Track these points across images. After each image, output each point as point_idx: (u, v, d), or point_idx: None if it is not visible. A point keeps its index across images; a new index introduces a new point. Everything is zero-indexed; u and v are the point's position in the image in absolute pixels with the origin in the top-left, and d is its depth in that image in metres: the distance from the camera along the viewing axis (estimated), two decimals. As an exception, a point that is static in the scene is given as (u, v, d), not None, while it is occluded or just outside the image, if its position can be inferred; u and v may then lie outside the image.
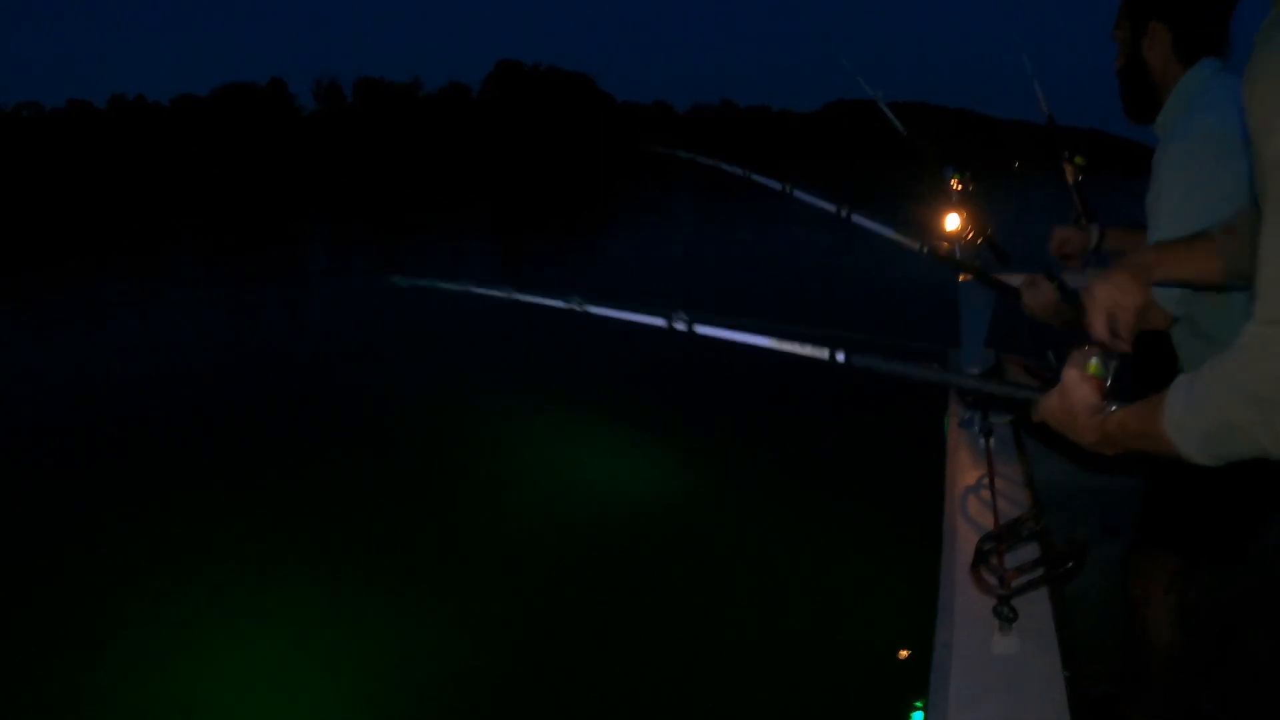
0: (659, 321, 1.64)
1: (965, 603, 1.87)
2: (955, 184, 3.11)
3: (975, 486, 2.47)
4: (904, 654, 4.27)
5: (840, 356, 1.47)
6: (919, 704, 3.70)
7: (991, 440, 2.61)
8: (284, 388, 10.35)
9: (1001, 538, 1.78)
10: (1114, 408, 1.33)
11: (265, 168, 69.68)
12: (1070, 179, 3.12)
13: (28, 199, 42.92)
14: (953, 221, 3.12)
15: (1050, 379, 1.44)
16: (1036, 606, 1.82)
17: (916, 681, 1.89)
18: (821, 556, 5.46)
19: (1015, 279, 2.67)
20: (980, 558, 1.72)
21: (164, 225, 34.92)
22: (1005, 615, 1.71)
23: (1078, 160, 3.10)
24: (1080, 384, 1.36)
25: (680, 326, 1.60)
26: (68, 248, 27.94)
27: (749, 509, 6.32)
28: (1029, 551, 1.88)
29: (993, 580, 1.71)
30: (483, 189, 50.49)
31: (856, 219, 2.92)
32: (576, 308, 1.79)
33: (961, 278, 3.14)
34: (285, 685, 4.43)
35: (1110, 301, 1.65)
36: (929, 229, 3.14)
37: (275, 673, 4.52)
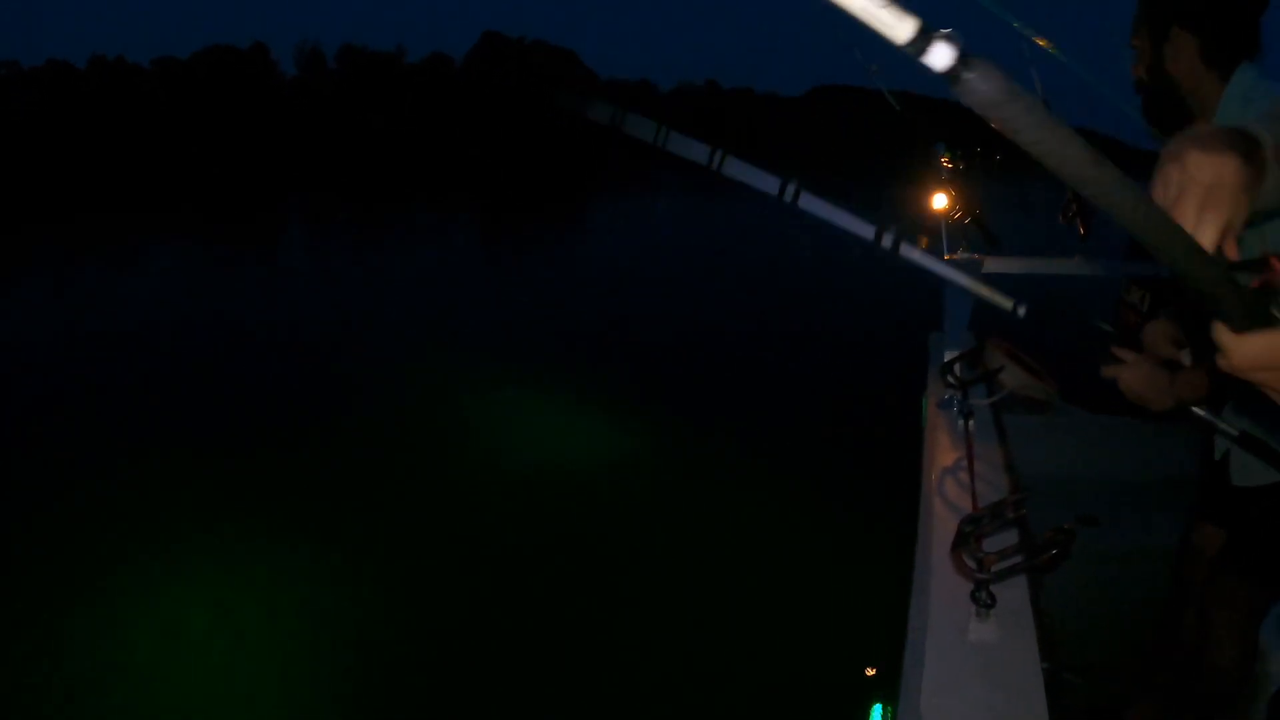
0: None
1: (941, 587, 1.81)
2: (945, 161, 3.03)
3: (953, 469, 2.41)
4: (876, 638, 4.21)
5: None
6: (889, 693, 3.66)
7: (971, 422, 2.55)
8: (256, 360, 10.20)
9: (982, 521, 1.71)
10: None
11: (247, 133, 68.75)
12: None
13: (6, 159, 42.12)
14: (940, 200, 3.05)
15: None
16: (1014, 594, 1.76)
17: (889, 666, 1.83)
18: (794, 540, 5.43)
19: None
20: (960, 540, 1.65)
21: (145, 189, 34.40)
22: (983, 601, 1.65)
23: None
24: None
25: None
26: (44, 210, 27.47)
27: (724, 491, 6.28)
28: (1010, 537, 1.82)
29: (972, 564, 1.64)
30: (467, 162, 50.07)
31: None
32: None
33: (946, 257, 3.07)
34: (252, 666, 4.34)
35: None
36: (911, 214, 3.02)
37: (242, 653, 4.44)
